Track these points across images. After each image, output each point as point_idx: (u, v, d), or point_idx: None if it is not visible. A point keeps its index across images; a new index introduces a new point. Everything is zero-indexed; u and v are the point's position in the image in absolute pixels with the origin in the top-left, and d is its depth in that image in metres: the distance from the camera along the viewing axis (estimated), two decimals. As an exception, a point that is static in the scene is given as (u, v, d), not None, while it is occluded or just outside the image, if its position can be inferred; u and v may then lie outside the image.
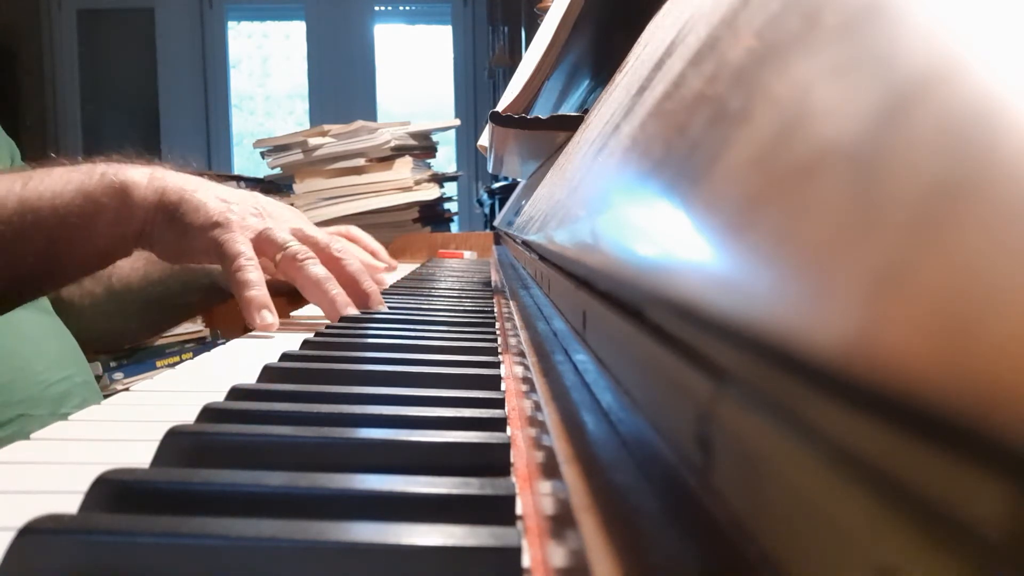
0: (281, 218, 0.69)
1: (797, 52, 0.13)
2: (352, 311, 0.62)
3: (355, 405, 0.32)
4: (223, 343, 0.56)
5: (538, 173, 0.86)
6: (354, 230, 1.01)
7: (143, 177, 0.63)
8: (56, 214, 0.61)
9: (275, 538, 0.19)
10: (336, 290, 0.63)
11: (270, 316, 0.59)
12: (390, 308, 0.67)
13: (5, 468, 0.28)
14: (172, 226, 0.63)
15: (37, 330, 0.83)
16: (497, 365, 0.41)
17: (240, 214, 0.64)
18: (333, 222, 1.52)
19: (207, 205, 0.63)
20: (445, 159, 3.73)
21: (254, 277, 0.60)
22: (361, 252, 0.79)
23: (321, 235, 0.68)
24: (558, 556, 0.18)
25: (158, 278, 0.89)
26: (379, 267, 0.85)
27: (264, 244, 0.63)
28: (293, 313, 0.75)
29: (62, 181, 0.62)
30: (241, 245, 0.61)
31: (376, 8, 4.22)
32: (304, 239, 0.65)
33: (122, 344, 1.30)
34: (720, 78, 0.18)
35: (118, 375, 1.36)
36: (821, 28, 0.13)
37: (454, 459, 0.26)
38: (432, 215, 1.73)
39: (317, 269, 0.63)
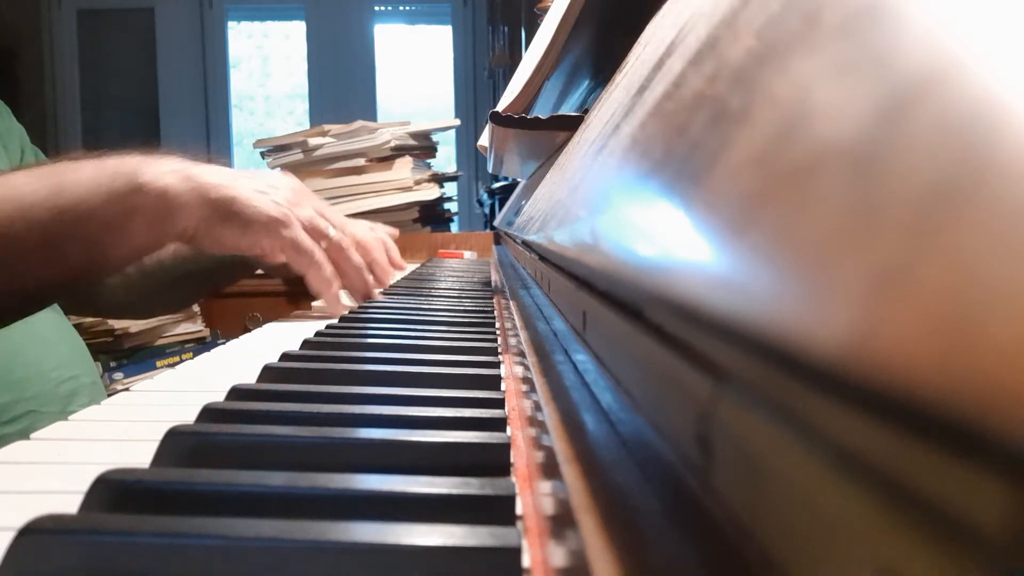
0: (302, 198, 0.74)
1: (797, 52, 0.13)
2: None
3: (355, 405, 0.32)
4: (223, 343, 0.56)
5: (538, 173, 0.86)
6: (370, 232, 0.99)
7: (174, 177, 0.64)
8: (93, 219, 0.62)
9: (275, 538, 0.19)
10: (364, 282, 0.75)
11: (343, 304, 0.70)
12: (390, 308, 0.67)
13: (5, 468, 0.28)
14: (228, 224, 0.66)
15: (49, 330, 0.84)
16: (497, 365, 0.41)
17: (288, 208, 0.69)
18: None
19: (254, 201, 0.66)
20: (445, 159, 3.72)
21: (330, 274, 0.69)
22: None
23: (338, 220, 0.76)
24: (558, 556, 0.18)
25: (190, 255, 0.89)
26: (388, 270, 0.88)
27: (313, 233, 0.71)
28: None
29: (93, 185, 0.62)
30: (308, 242, 0.68)
31: (376, 8, 4.21)
32: (329, 225, 0.73)
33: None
34: (720, 78, 0.18)
35: (118, 375, 1.36)
36: (821, 28, 0.13)
37: (454, 459, 0.26)
38: (432, 215, 1.73)
39: (354, 258, 0.73)
